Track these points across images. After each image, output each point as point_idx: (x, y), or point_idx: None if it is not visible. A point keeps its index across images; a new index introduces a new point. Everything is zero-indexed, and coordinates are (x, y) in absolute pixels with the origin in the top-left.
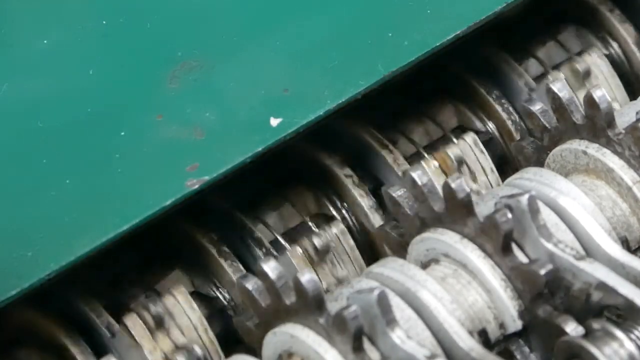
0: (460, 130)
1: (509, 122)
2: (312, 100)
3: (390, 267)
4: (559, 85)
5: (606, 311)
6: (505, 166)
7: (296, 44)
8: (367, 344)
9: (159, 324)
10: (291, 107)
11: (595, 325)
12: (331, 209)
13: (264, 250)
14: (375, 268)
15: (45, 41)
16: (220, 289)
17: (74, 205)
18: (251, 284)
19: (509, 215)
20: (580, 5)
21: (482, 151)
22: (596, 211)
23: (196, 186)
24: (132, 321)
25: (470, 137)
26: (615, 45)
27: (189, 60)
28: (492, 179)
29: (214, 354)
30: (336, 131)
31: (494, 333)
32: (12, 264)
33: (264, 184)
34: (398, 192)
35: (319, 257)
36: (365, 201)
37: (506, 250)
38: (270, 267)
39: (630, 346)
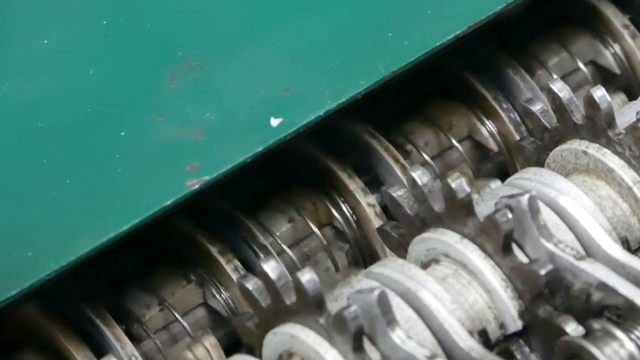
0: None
1: (509, 124)
2: (312, 100)
3: (390, 267)
4: (559, 85)
5: (606, 311)
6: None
7: (296, 44)
8: (367, 344)
9: None
10: (291, 107)
11: (596, 325)
12: (332, 209)
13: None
14: (375, 268)
15: (45, 41)
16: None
17: (74, 205)
18: (251, 284)
19: (509, 215)
20: (580, 5)
21: None
22: (596, 211)
23: (196, 186)
24: None
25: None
26: (615, 45)
27: (189, 60)
28: None
29: None
30: (337, 131)
31: (494, 333)
32: (12, 264)
33: (263, 184)
34: (398, 192)
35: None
36: (365, 201)
37: (506, 250)
38: (271, 267)
39: (630, 346)
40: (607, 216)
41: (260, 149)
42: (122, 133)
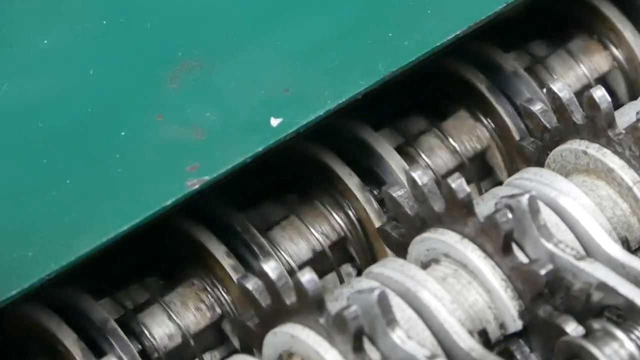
0: None
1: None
2: (312, 100)
3: (390, 267)
4: (559, 85)
5: (606, 311)
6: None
7: (296, 44)
8: (367, 344)
9: None
10: (291, 107)
11: (596, 325)
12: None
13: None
14: (376, 268)
15: (45, 41)
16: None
17: (74, 205)
18: (251, 284)
19: (510, 215)
20: (580, 5)
21: None
22: (596, 211)
23: (196, 186)
24: None
25: None
26: (615, 45)
27: (189, 60)
28: None
29: None
30: (337, 130)
31: (494, 333)
32: (12, 264)
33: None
34: (398, 192)
35: None
36: (366, 200)
37: (506, 250)
38: (271, 267)
39: (630, 346)
40: (607, 216)
41: (260, 149)
42: (122, 133)
